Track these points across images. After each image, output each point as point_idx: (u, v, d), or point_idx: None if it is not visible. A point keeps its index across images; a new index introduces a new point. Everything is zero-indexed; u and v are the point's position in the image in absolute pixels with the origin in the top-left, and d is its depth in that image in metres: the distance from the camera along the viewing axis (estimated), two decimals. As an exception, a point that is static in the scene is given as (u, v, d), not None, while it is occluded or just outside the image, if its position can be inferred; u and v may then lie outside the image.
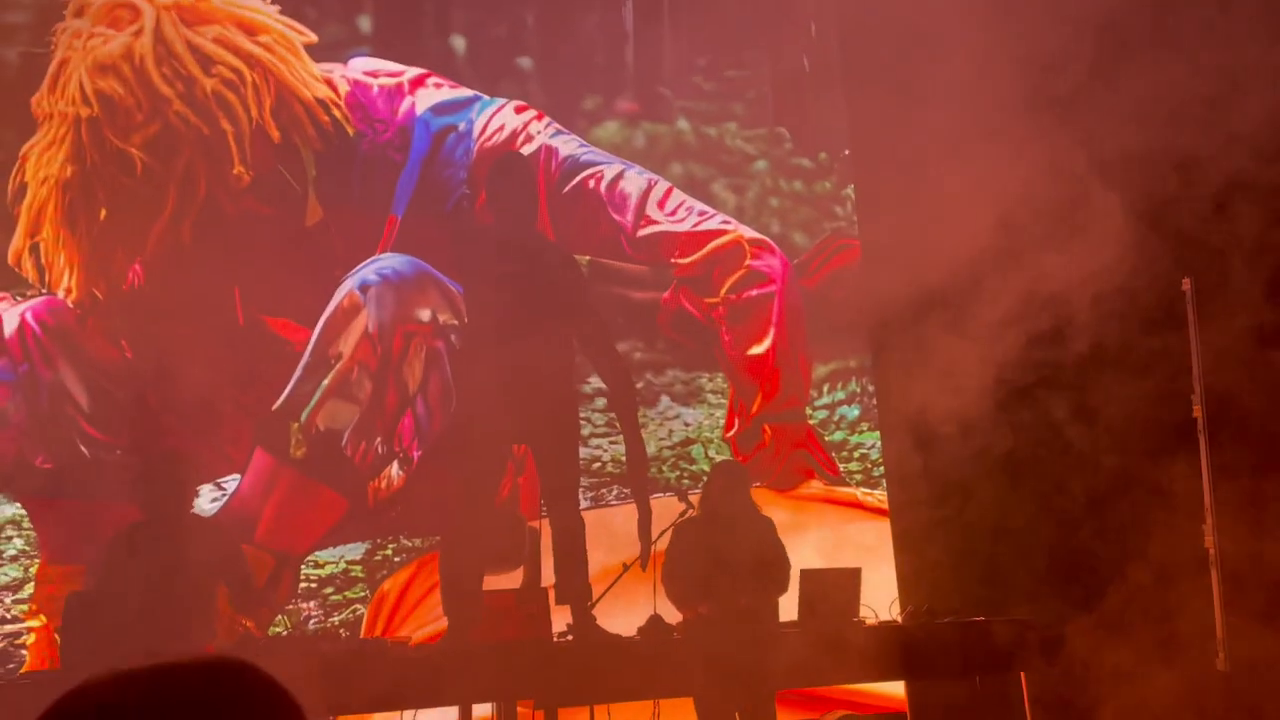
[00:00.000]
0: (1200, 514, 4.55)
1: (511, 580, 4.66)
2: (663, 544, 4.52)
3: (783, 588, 4.48)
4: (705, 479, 5.06)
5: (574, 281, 4.54)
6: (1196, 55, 4.39)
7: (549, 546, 4.46)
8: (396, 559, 5.69)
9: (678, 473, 6.05)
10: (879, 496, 5.94)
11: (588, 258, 5.91)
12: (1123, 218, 4.40)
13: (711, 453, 6.03)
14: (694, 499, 4.75)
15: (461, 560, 4.26)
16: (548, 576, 4.49)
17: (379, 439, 5.44)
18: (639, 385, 5.67)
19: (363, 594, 5.58)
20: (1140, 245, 4.36)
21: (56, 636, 4.60)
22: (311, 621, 5.44)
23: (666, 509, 4.70)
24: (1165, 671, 4.31)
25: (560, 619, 4.23)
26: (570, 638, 4.20)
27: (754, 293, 6.00)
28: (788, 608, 4.49)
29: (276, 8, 5.59)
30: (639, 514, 4.39)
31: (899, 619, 4.56)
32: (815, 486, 5.96)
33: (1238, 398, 4.55)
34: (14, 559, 5.25)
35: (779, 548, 4.60)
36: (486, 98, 5.93)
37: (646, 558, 4.37)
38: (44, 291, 5.35)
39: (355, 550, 5.62)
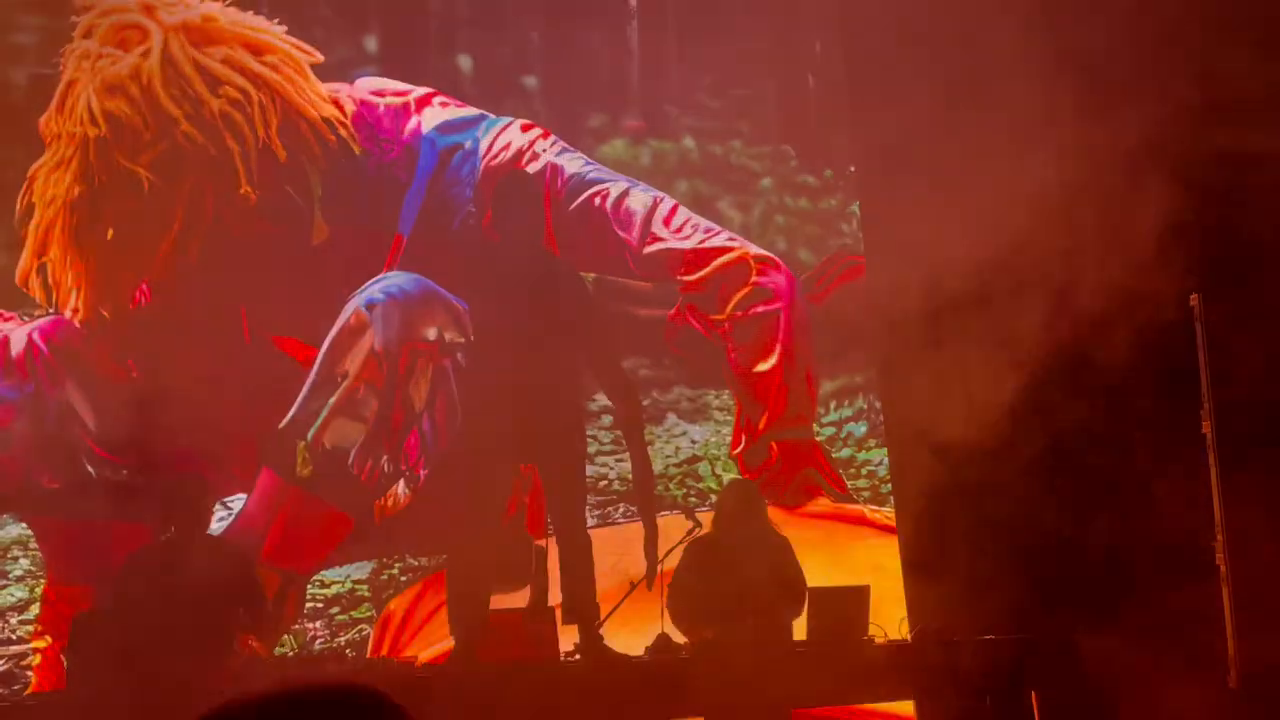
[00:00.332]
0: (1213, 529, 4.51)
1: (518, 599, 4.63)
2: (670, 562, 4.49)
3: (799, 610, 4.42)
4: (717, 498, 5.02)
5: (580, 299, 4.52)
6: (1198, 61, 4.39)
7: (555, 564, 4.44)
8: (403, 578, 5.66)
9: (684, 490, 6.02)
10: (887, 513, 5.90)
11: (594, 275, 5.91)
12: (1136, 227, 4.39)
13: (719, 470, 6.00)
14: (702, 517, 4.72)
15: (468, 578, 4.24)
16: (554, 596, 4.46)
17: (385, 457, 5.42)
18: (645, 402, 5.65)
19: (369, 614, 5.55)
20: (1156, 255, 4.35)
21: (62, 658, 4.58)
22: (318, 642, 5.41)
23: (673, 527, 4.67)
24: (1178, 688, 4.27)
25: (568, 638, 4.21)
26: (578, 657, 4.17)
27: (760, 309, 5.99)
28: (795, 626, 4.45)
29: (284, 28, 5.61)
30: (645, 533, 4.37)
31: (908, 638, 4.52)
32: (823, 504, 5.92)
33: (1255, 409, 4.52)
34: (20, 579, 5.24)
35: (796, 569, 4.55)
36: (492, 116, 5.94)
37: (653, 577, 4.35)
38: (51, 311, 5.35)
39: (361, 570, 5.60)
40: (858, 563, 5.53)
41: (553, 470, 4.36)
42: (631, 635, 4.39)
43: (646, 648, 4.28)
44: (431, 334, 5.52)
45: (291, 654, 4.26)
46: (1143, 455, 4.70)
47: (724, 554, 4.48)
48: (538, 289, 4.30)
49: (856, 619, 4.31)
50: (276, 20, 5.59)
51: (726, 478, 5.66)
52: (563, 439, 4.32)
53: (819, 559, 5.30)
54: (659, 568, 4.37)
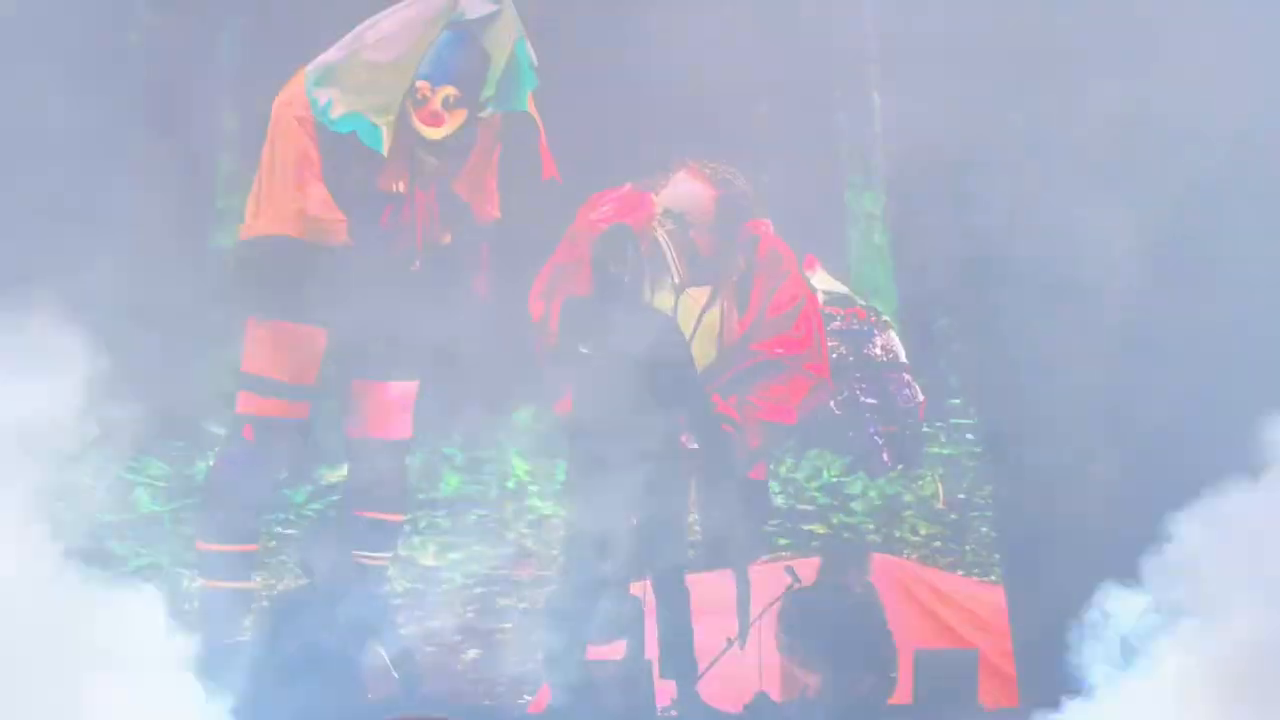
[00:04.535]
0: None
1: (615, 652, 4.86)
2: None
3: (888, 671, 4.50)
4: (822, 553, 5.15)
5: (678, 351, 4.73)
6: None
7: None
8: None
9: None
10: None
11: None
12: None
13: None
14: (797, 567, 4.88)
15: (568, 628, 4.46)
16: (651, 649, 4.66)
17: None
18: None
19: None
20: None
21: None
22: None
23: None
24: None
25: (664, 693, 4.40)
26: (675, 713, 4.37)
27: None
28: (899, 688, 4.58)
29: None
30: (737, 590, 4.53)
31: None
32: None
33: None
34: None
35: (884, 630, 4.68)
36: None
37: (745, 635, 4.49)
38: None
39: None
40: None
41: (654, 521, 4.57)
42: (729, 690, 4.58)
43: (745, 705, 4.46)
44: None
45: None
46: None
47: (820, 608, 4.63)
48: (636, 336, 4.52)
49: (965, 683, 4.42)
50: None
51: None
52: (665, 491, 4.53)
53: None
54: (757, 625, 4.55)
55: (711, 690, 4.51)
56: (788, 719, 4.42)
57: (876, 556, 5.54)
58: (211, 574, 6.11)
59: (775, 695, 4.56)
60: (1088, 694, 4.60)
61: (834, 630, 4.55)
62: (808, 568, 4.91)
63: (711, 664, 4.60)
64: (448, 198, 6.62)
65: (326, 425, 6.43)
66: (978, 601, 5.83)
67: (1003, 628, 5.59)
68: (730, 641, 4.58)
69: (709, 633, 4.79)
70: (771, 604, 4.74)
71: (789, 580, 4.85)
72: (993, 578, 6.05)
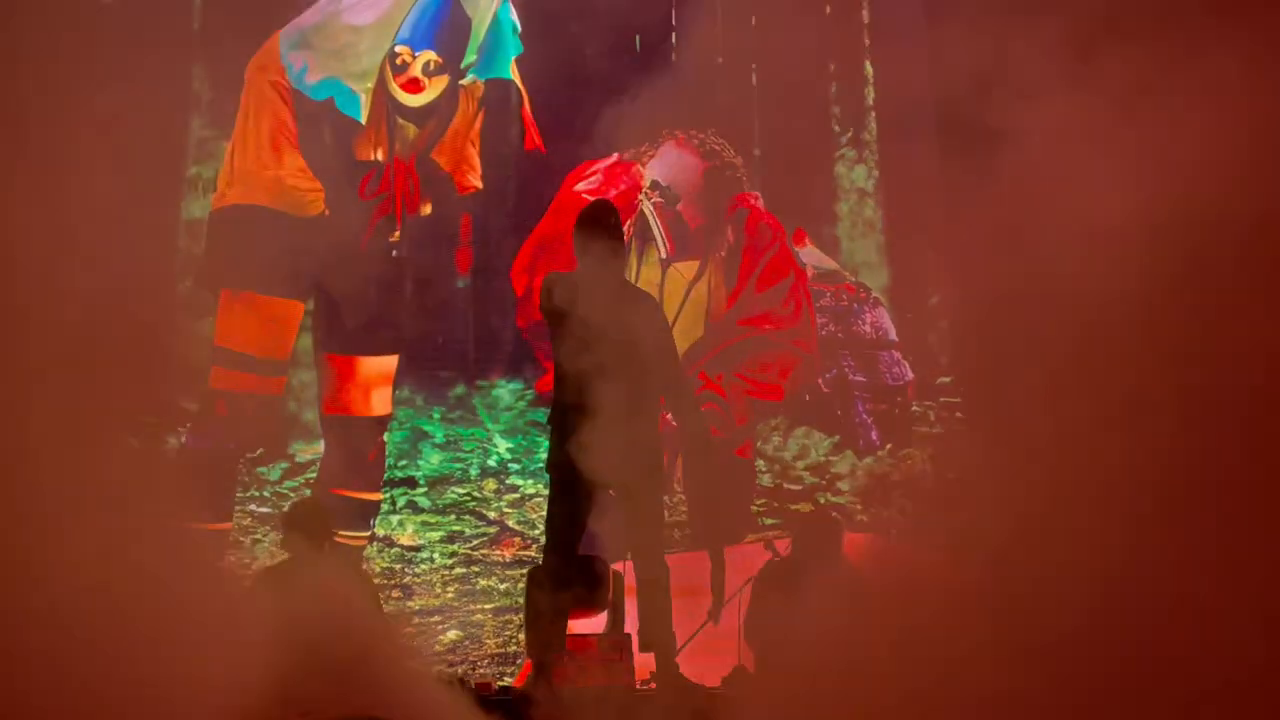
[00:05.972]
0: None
1: (595, 625, 4.94)
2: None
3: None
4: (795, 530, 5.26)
5: (660, 328, 4.79)
6: None
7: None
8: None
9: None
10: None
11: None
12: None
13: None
14: (778, 545, 4.98)
15: (548, 602, 4.54)
16: (631, 623, 4.75)
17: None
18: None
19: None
20: None
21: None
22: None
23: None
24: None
25: (644, 667, 4.50)
26: (653, 686, 4.46)
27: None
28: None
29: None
30: (711, 565, 4.60)
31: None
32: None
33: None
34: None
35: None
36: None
37: (719, 611, 4.57)
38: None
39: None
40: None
41: (632, 498, 4.64)
42: (707, 664, 4.68)
43: (723, 678, 4.55)
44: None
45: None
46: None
47: (799, 587, 4.73)
48: (618, 319, 4.58)
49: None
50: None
51: (809, 512, 5.91)
52: (643, 467, 4.60)
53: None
54: (734, 600, 4.64)
55: (690, 664, 4.60)
56: (763, 692, 4.51)
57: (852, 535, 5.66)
58: (184, 553, 6.17)
59: (751, 669, 4.67)
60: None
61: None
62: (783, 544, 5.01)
63: (690, 638, 4.69)
64: (428, 167, 6.66)
65: (302, 400, 6.47)
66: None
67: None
68: (709, 616, 4.67)
69: (689, 609, 4.88)
70: (747, 581, 4.83)
71: (768, 555, 4.94)
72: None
